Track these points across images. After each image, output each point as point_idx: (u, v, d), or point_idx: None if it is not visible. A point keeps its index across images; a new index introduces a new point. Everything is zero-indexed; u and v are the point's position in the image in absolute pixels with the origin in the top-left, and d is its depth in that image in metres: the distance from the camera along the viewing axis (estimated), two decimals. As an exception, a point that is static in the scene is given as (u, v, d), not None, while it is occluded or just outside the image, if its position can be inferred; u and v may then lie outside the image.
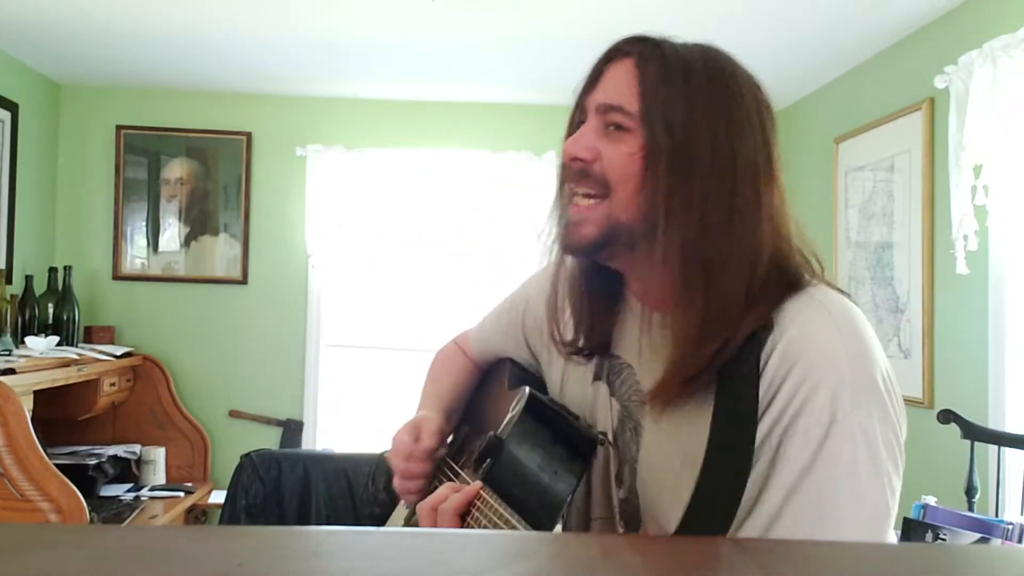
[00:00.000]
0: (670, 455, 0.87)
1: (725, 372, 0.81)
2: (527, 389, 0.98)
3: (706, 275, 0.82)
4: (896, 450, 0.77)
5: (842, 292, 0.87)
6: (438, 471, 1.15)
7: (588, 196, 0.86)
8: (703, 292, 0.82)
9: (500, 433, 0.94)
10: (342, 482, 2.54)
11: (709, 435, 0.79)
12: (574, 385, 1.03)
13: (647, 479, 0.91)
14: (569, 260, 0.95)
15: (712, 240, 0.82)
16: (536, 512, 0.88)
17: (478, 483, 0.87)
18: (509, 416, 0.97)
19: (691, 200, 0.82)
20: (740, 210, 0.82)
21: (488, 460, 0.92)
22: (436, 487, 1.08)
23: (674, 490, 0.84)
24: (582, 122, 0.89)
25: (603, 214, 0.85)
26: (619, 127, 0.85)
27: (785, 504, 0.74)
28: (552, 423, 0.96)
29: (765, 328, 0.81)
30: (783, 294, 0.83)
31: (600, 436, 0.97)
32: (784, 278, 0.84)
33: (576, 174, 0.87)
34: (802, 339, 0.79)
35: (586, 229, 0.87)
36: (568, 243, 0.89)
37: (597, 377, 0.99)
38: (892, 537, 0.85)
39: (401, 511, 1.23)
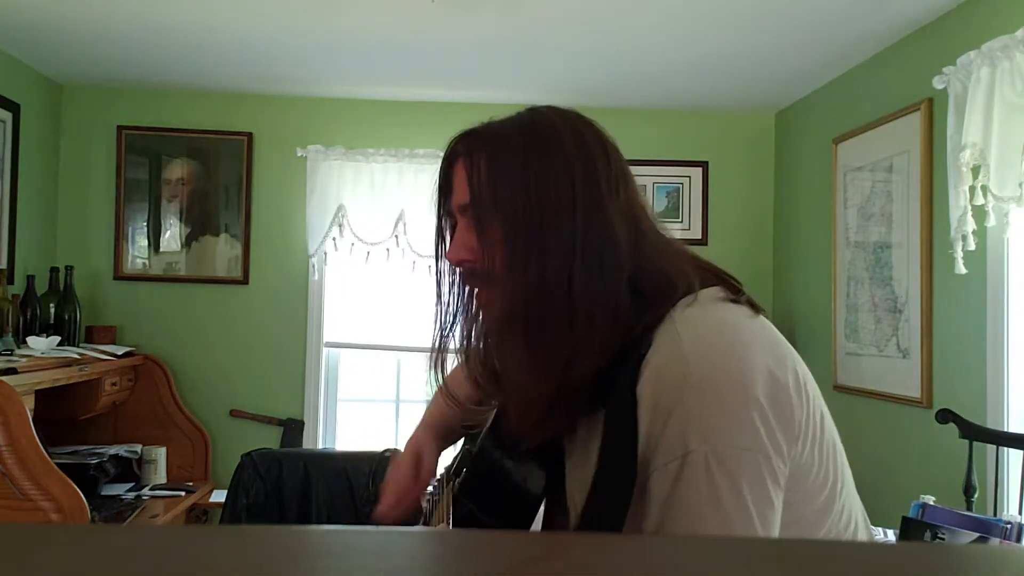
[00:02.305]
0: (578, 479, 0.90)
1: (611, 399, 0.81)
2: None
3: (524, 326, 0.87)
4: (765, 471, 0.75)
5: (730, 297, 0.86)
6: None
7: (480, 285, 0.94)
8: (523, 343, 0.88)
9: (472, 447, 1.01)
10: (342, 481, 2.54)
11: (596, 464, 0.80)
12: None
13: (571, 501, 0.93)
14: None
15: (523, 288, 0.86)
16: (512, 516, 0.93)
17: None
18: (484, 430, 1.02)
19: (515, 258, 0.87)
20: (550, 253, 0.85)
21: (464, 471, 0.99)
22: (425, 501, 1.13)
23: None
24: (454, 226, 0.97)
25: (494, 296, 0.92)
26: (474, 220, 0.91)
27: None
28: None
29: (641, 349, 0.81)
30: (652, 313, 0.84)
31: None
32: (640, 299, 0.85)
33: (467, 275, 0.95)
34: (657, 369, 0.79)
35: (492, 311, 0.94)
36: (488, 325, 0.96)
37: None
38: None
39: None
